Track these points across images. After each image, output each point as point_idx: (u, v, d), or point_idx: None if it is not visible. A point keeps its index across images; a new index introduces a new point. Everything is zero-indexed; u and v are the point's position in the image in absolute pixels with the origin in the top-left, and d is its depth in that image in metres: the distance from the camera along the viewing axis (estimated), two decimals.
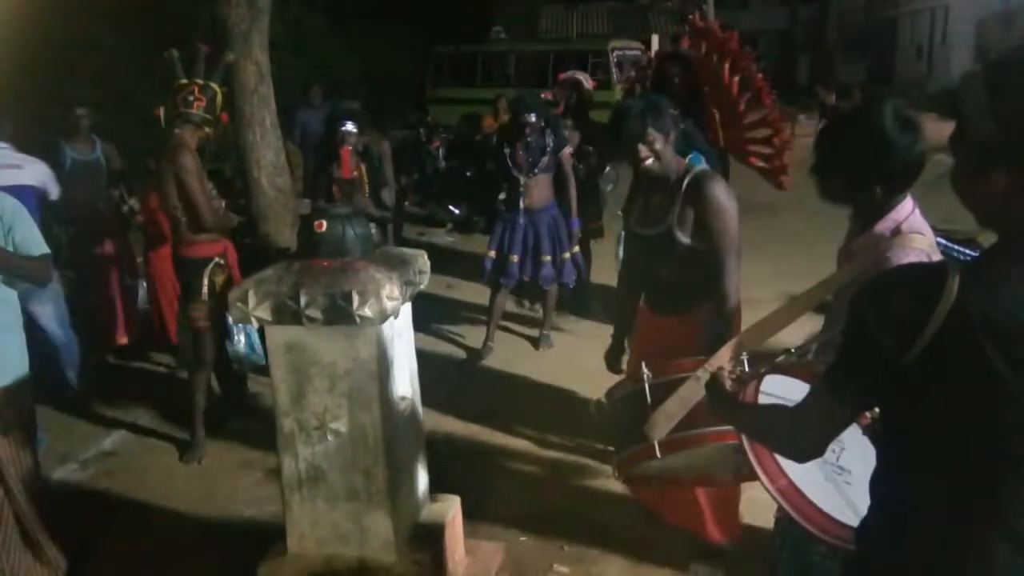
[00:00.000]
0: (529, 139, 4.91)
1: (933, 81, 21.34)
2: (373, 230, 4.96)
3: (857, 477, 1.68)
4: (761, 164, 3.77)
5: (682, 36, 4.12)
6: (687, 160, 2.86)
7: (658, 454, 2.14)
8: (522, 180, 4.95)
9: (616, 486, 3.36)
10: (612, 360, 3.28)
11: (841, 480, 1.73)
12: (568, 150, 5.12)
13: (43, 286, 3.07)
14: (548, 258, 5.06)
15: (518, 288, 5.35)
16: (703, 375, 1.84)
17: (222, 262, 4.05)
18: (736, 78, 3.54)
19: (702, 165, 2.88)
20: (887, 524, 1.33)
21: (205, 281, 3.96)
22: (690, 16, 4.19)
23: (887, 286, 1.29)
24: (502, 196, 5.11)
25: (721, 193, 2.72)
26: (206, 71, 3.96)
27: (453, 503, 2.96)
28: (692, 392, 1.96)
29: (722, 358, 1.89)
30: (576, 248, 5.27)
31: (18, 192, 4.39)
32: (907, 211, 1.95)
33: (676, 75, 4.02)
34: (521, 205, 4.99)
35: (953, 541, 1.24)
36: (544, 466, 3.86)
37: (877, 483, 1.36)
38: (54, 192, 4.64)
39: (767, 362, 1.82)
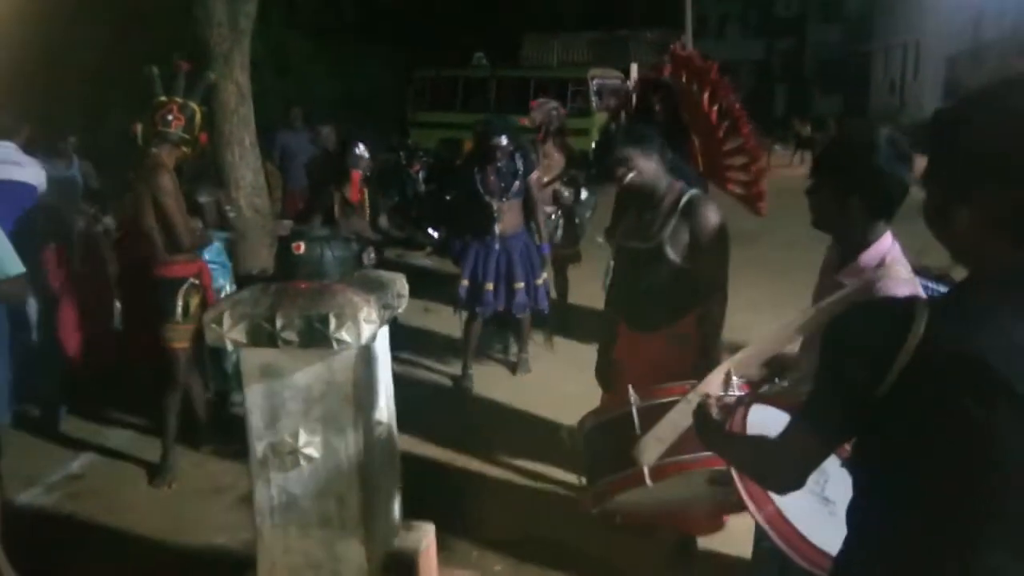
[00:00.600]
0: (499, 163, 4.87)
1: (905, 115, 21.78)
2: (372, 254, 4.96)
3: (841, 508, 1.67)
4: (739, 191, 3.83)
5: (663, 65, 4.18)
6: (681, 184, 2.93)
7: (648, 481, 2.07)
8: (495, 205, 4.90)
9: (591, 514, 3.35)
10: (603, 377, 3.26)
11: (827, 511, 1.72)
12: (536, 175, 5.07)
13: (21, 305, 3.00)
14: (521, 285, 5.00)
15: (493, 318, 5.28)
16: (695, 398, 1.83)
17: (197, 283, 4.00)
18: (715, 107, 3.61)
19: (693, 189, 2.94)
20: (863, 554, 1.33)
21: (180, 302, 3.92)
22: (672, 45, 4.25)
23: (857, 320, 1.30)
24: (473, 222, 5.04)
25: (714, 216, 2.80)
26: (186, 89, 3.93)
27: (427, 531, 2.92)
28: (684, 416, 1.91)
29: (713, 381, 1.88)
30: (546, 274, 5.24)
31: (18, 188, 4.37)
32: (889, 242, 1.99)
33: (658, 102, 4.10)
34: (496, 231, 4.94)
35: (927, 574, 1.24)
36: (520, 493, 3.82)
37: (853, 514, 1.36)
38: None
39: (757, 387, 1.82)
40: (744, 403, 1.79)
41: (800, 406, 1.38)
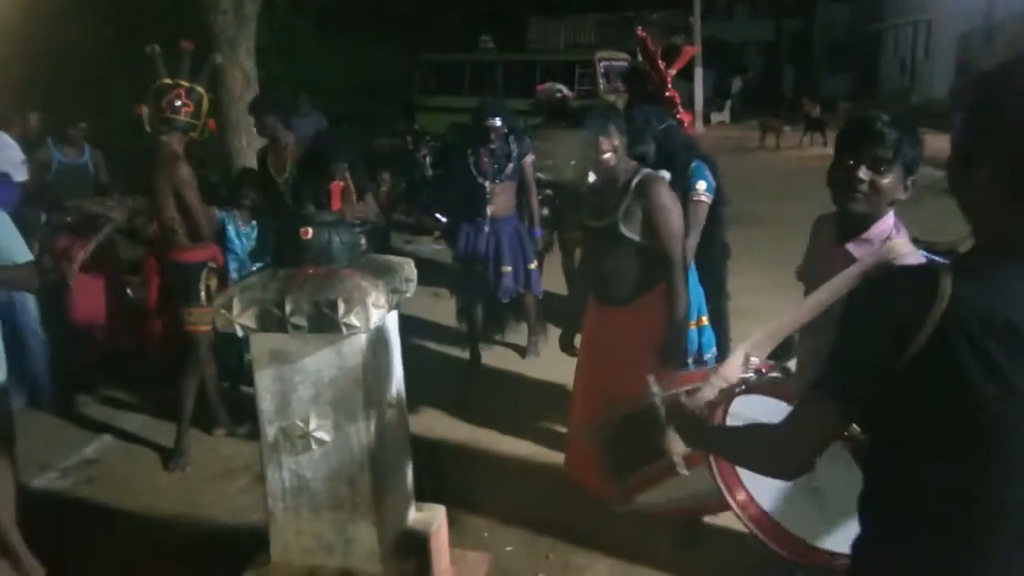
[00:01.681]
0: (493, 145, 4.86)
1: (916, 94, 21.59)
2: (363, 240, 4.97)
3: (832, 499, 1.66)
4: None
5: (678, 45, 4.48)
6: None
7: (682, 471, 2.02)
8: (488, 186, 4.88)
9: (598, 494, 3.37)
10: (566, 341, 3.49)
11: (815, 502, 1.70)
12: (530, 158, 5.06)
13: (31, 292, 3.02)
14: (508, 269, 4.97)
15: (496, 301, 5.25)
16: (717, 382, 1.83)
17: (214, 266, 4.06)
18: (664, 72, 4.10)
19: (646, 169, 3.06)
20: (878, 544, 1.32)
21: (202, 285, 3.96)
22: (637, 31, 4.50)
23: (882, 287, 1.29)
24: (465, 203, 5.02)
25: (666, 194, 2.99)
26: (191, 72, 3.91)
27: (438, 512, 2.95)
28: (705, 399, 1.91)
29: (732, 364, 1.89)
30: (536, 261, 5.19)
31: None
32: (892, 219, 2.08)
33: (639, 86, 4.38)
34: (488, 212, 4.92)
35: (944, 559, 1.24)
36: (530, 474, 3.85)
37: (866, 503, 1.34)
38: (19, 177, 4.61)
39: (763, 375, 1.83)
40: (730, 395, 1.79)
41: (800, 390, 1.37)
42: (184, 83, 3.86)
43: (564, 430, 4.23)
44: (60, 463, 4.08)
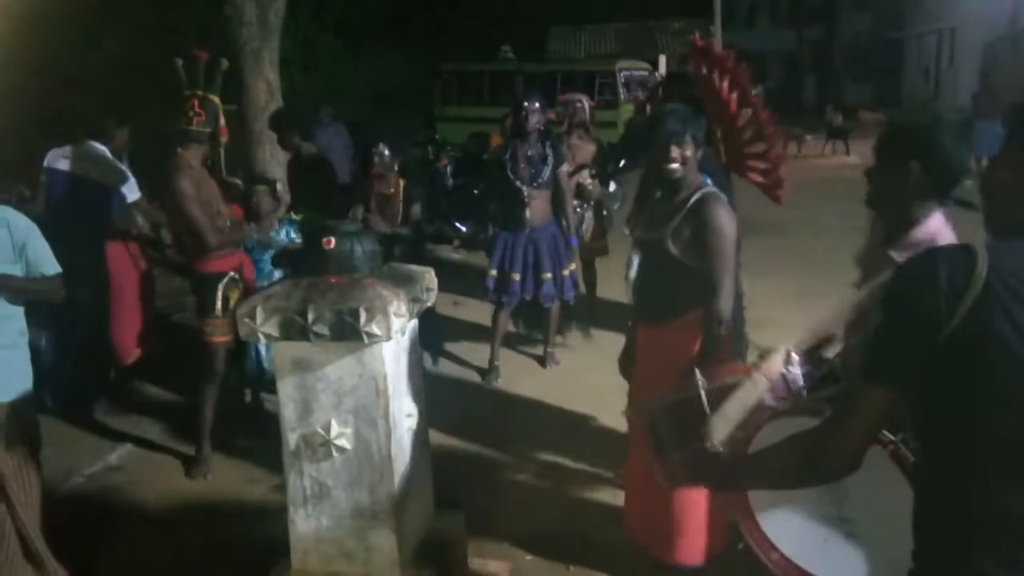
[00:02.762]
0: (529, 150, 4.85)
1: (939, 103, 21.38)
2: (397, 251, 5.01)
3: (864, 526, 1.65)
4: (759, 179, 3.82)
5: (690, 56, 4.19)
6: (701, 179, 2.93)
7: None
8: (525, 191, 4.90)
9: (619, 504, 3.35)
10: (623, 365, 3.28)
11: (844, 533, 1.68)
12: (566, 167, 5.09)
13: (58, 303, 3.05)
14: (549, 275, 5.01)
15: (519, 308, 5.30)
16: (760, 378, 1.89)
17: (237, 276, 4.03)
18: (734, 94, 3.60)
19: (710, 187, 2.92)
20: (944, 556, 1.29)
21: (219, 296, 3.95)
22: (691, 37, 4.25)
23: (926, 260, 1.31)
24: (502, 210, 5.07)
25: (723, 216, 2.78)
26: (205, 82, 3.90)
27: (458, 521, 2.95)
28: (750, 395, 1.97)
29: (776, 361, 1.93)
30: (574, 265, 5.25)
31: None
32: (940, 222, 2.08)
33: (680, 94, 4.12)
34: (526, 217, 4.93)
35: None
36: (550, 484, 3.83)
37: (921, 514, 1.32)
38: (132, 197, 4.80)
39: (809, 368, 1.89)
40: (758, 425, 1.81)
41: (828, 403, 1.38)
42: (199, 92, 3.86)
43: (585, 438, 4.22)
44: (84, 470, 4.13)
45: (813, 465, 1.38)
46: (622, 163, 5.94)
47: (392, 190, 5.02)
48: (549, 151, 4.95)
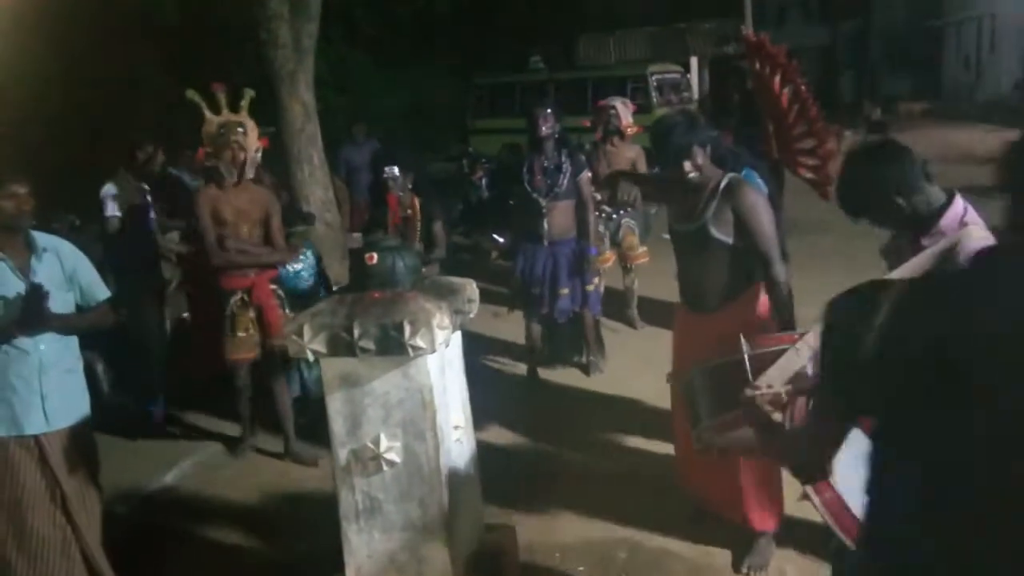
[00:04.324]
0: (546, 140, 4.79)
1: (981, 91, 20.90)
2: (435, 266, 5.06)
3: None
4: (808, 175, 3.80)
5: (736, 51, 4.24)
6: (720, 170, 3.05)
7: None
8: (543, 203, 4.83)
9: (673, 511, 3.33)
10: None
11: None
12: (586, 175, 4.93)
13: (107, 327, 3.13)
14: (566, 291, 4.91)
15: (551, 324, 5.24)
16: (803, 347, 1.99)
17: (246, 298, 4.14)
18: (786, 90, 3.59)
19: (732, 173, 3.03)
20: (880, 526, 1.39)
21: (227, 315, 4.12)
22: (743, 31, 4.24)
23: (844, 297, 1.38)
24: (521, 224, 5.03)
25: (754, 195, 2.96)
26: (230, 108, 4.13)
27: (510, 532, 2.95)
28: (792, 363, 2.05)
29: (818, 334, 1.99)
30: (598, 280, 5.14)
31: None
32: (961, 206, 2.19)
33: (733, 87, 4.14)
34: (545, 229, 4.85)
35: (948, 542, 1.27)
36: (600, 493, 3.81)
37: (872, 489, 1.41)
38: None
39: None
40: (804, 391, 1.87)
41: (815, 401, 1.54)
42: (234, 118, 4.10)
43: (633, 444, 4.20)
44: (142, 489, 4.22)
45: (789, 463, 1.64)
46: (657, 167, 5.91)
47: (410, 211, 5.06)
48: (566, 160, 4.85)
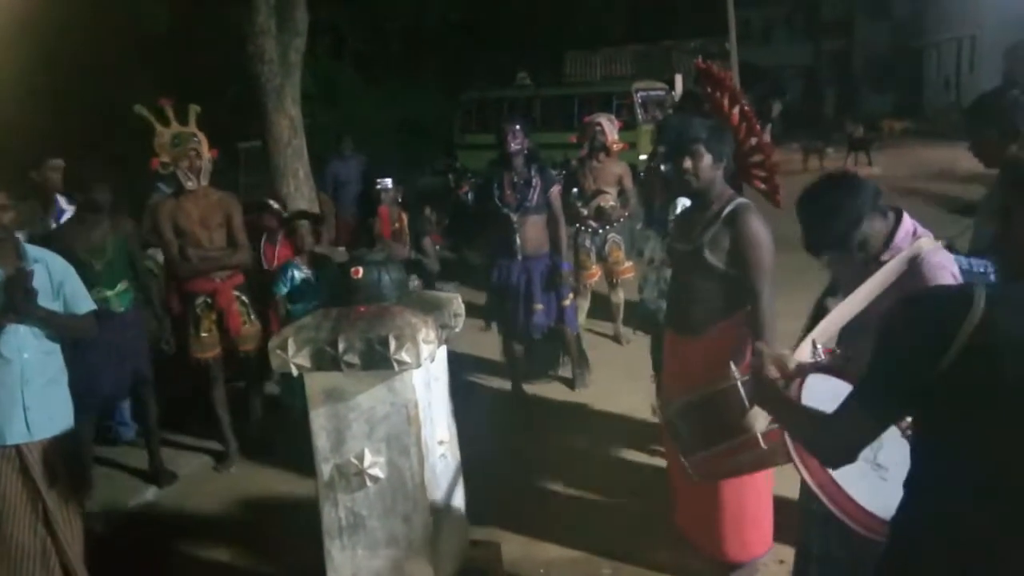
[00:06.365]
0: (515, 176, 4.76)
1: (961, 111, 21.18)
2: (415, 281, 5.05)
3: (893, 474, 1.75)
4: (761, 186, 3.99)
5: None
6: (732, 192, 3.01)
7: (763, 444, 2.22)
8: (515, 218, 4.79)
9: (658, 527, 3.32)
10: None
11: (877, 476, 1.81)
12: (557, 188, 4.91)
13: (90, 338, 3.13)
14: (540, 307, 4.88)
15: (531, 340, 5.22)
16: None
17: (210, 301, 4.36)
18: (735, 110, 3.76)
19: (742, 199, 2.99)
20: (919, 522, 1.45)
21: (191, 315, 4.34)
22: (695, 60, 4.42)
23: (918, 303, 1.43)
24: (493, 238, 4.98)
25: (758, 226, 2.86)
26: (178, 119, 4.32)
27: (495, 548, 2.94)
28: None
29: (803, 351, 2.05)
30: (573, 295, 5.13)
31: None
32: (910, 221, 2.32)
33: (692, 111, 4.25)
34: (517, 244, 4.81)
35: (980, 543, 1.36)
36: (585, 509, 3.81)
37: (911, 484, 1.47)
38: None
39: (833, 357, 2.02)
40: (804, 372, 1.89)
41: (856, 383, 1.51)
42: (185, 130, 4.29)
43: (618, 459, 4.19)
44: (124, 505, 4.17)
45: (813, 448, 1.61)
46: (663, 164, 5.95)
47: (397, 225, 5.09)
48: (535, 175, 4.81)
